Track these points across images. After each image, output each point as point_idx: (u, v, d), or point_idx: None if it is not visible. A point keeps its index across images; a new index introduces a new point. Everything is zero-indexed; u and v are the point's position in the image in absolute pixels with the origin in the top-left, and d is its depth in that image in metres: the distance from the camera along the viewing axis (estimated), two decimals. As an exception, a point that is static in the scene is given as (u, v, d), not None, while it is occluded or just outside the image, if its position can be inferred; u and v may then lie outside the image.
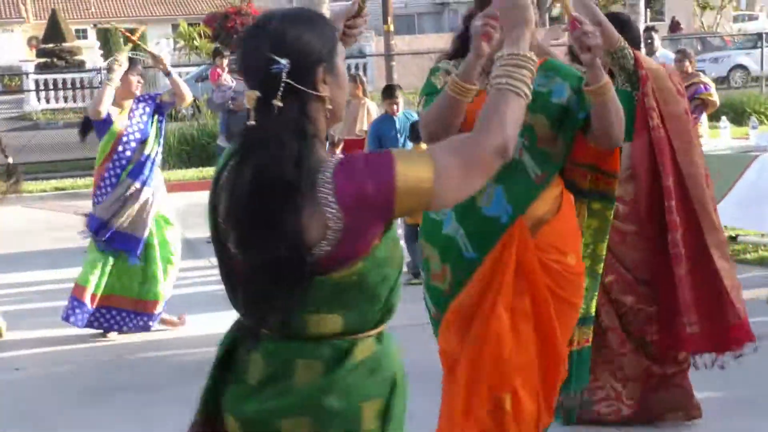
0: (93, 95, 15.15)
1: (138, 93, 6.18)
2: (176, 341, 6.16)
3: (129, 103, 6.15)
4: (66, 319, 6.05)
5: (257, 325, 1.99)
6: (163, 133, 6.34)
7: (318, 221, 1.87)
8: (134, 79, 6.10)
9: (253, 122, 1.92)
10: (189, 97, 6.28)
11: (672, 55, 10.14)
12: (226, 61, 11.23)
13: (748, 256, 7.57)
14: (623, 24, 4.16)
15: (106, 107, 5.99)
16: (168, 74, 6.30)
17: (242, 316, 2.02)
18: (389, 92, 8.02)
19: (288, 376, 1.97)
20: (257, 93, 1.91)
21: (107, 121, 6.05)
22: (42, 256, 8.94)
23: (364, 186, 1.87)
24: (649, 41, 9.70)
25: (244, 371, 2.02)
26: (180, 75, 20.11)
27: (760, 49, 22.56)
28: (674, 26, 35.99)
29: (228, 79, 10.28)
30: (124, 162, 6.10)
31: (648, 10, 15.86)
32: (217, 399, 2.05)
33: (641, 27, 12.69)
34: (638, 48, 4.19)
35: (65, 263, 7.97)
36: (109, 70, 6.15)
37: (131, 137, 6.09)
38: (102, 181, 6.14)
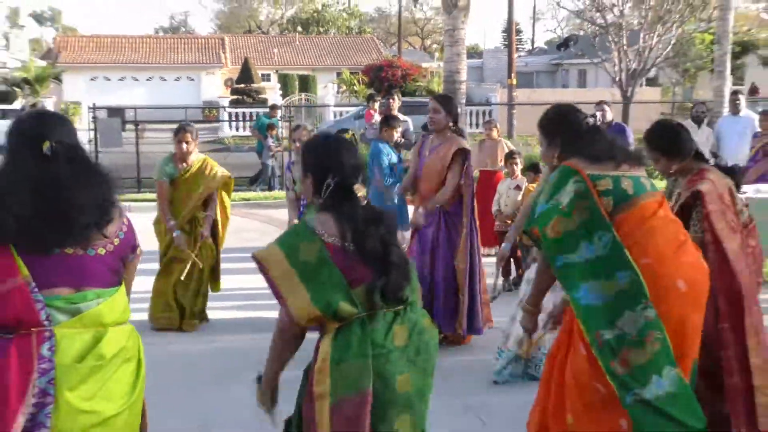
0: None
1: None
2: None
3: None
4: None
5: (398, 303, 3.10)
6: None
7: None
8: None
9: None
10: None
11: (755, 115, 10.68)
12: (377, 104, 13.34)
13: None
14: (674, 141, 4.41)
15: None
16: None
17: (385, 299, 3.07)
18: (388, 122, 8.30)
19: (422, 332, 3.15)
20: None
21: None
22: (235, 252, 9.85)
23: None
24: (736, 102, 11.12)
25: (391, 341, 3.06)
26: (341, 114, 29.50)
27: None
28: (753, 90, 36.39)
29: (378, 119, 11.27)
30: None
31: (732, 76, 17.03)
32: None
33: (727, 92, 13.64)
34: (688, 154, 4.36)
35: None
36: None
37: None
38: None
